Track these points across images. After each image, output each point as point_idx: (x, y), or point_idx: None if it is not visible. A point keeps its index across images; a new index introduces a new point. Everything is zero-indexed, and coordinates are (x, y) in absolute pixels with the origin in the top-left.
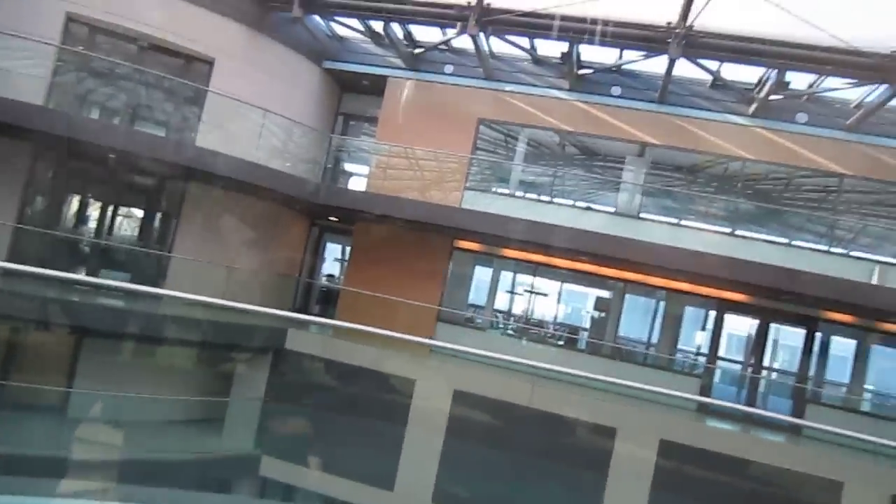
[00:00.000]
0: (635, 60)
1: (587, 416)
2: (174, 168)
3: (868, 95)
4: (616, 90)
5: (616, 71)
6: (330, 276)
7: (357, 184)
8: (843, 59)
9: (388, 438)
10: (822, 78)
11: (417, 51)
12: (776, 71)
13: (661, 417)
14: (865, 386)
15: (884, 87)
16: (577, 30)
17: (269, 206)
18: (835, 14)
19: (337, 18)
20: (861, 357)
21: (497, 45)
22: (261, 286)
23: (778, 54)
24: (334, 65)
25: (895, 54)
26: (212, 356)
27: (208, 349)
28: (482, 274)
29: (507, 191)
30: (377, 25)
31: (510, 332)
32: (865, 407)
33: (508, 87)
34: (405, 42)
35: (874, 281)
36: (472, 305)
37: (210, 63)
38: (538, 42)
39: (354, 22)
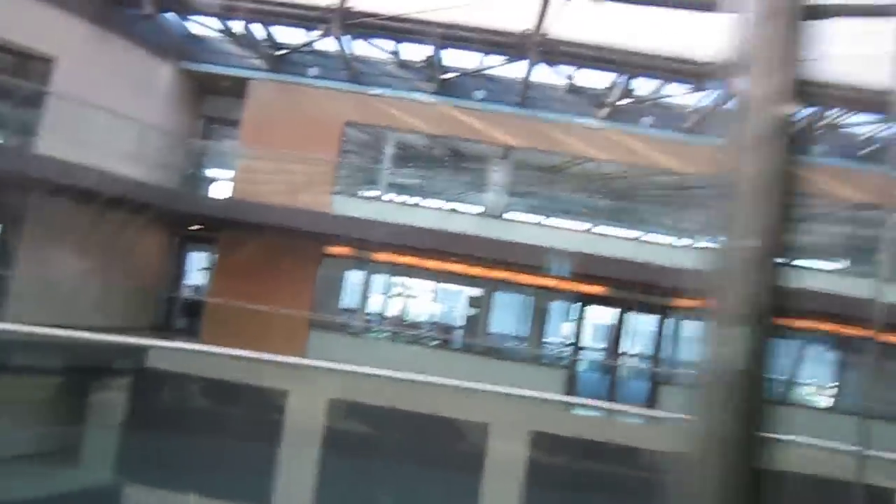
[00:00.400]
0: (496, 66)
1: (462, 413)
2: (12, 178)
3: (701, 100)
4: (479, 94)
5: (479, 75)
6: (195, 287)
7: (221, 190)
8: (681, 67)
9: (262, 456)
10: (664, 84)
11: (280, 52)
12: (624, 77)
13: (530, 409)
14: None
15: (717, 91)
16: (439, 34)
17: (124, 216)
18: (674, 26)
19: (194, 18)
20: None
21: (361, 47)
22: (117, 302)
23: (624, 62)
24: (192, 66)
25: (726, 63)
26: (64, 381)
27: (59, 374)
28: (355, 278)
29: (376, 194)
30: (238, 26)
31: (385, 335)
32: None
33: (374, 90)
34: (267, 43)
35: None
36: (347, 310)
37: (50, 62)
38: (403, 46)
39: (214, 21)
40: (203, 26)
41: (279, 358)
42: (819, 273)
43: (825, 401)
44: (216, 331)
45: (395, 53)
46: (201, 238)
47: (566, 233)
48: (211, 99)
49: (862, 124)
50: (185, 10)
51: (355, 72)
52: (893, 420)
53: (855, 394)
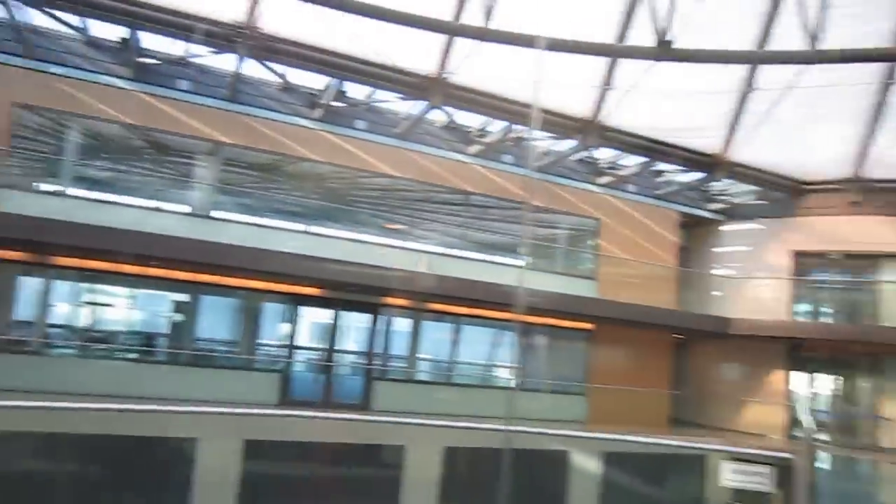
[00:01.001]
0: (203, 56)
1: (168, 432)
2: None
3: (413, 108)
4: (184, 84)
5: (183, 64)
6: None
7: None
8: (391, 75)
9: None
10: (375, 91)
11: None
12: (338, 80)
13: (241, 419)
14: (421, 356)
15: (424, 102)
16: (135, 14)
17: None
18: (386, 36)
19: None
20: (415, 333)
21: (40, 19)
22: None
23: (337, 65)
24: None
25: (430, 76)
26: None
27: None
28: (32, 287)
29: (59, 188)
30: None
31: (73, 351)
32: (421, 377)
33: (55, 69)
34: None
35: (422, 269)
36: (22, 324)
37: None
38: (92, 22)
39: None
40: None
41: None
42: (510, 269)
43: (517, 382)
44: None
45: (82, 30)
46: None
47: (279, 233)
48: None
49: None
50: None
51: (30, 46)
52: (562, 392)
53: (532, 373)
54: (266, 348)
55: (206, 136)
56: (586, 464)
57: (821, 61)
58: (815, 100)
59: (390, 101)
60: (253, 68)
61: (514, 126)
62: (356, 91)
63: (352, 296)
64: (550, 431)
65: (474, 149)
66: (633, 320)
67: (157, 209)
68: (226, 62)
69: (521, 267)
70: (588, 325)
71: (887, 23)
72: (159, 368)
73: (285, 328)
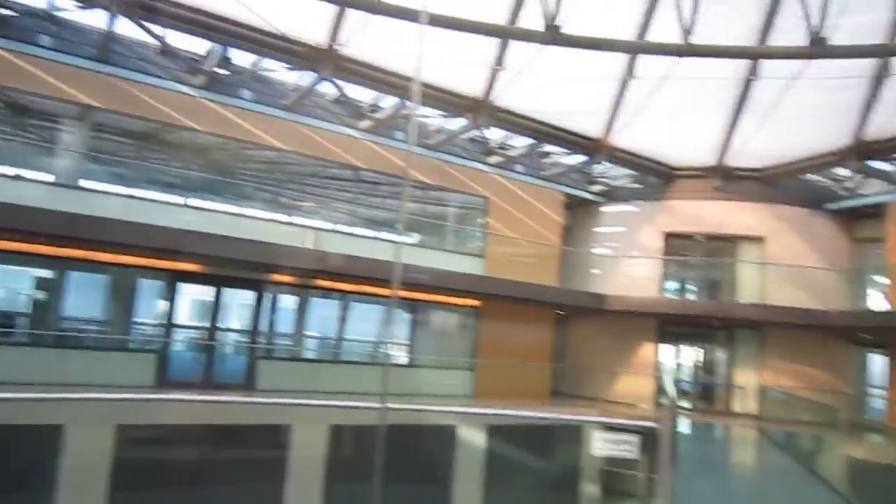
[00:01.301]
0: (69, 10)
1: (29, 419)
2: None
3: (302, 80)
4: (45, 40)
5: (47, 18)
6: None
7: None
8: (278, 44)
9: None
10: (262, 59)
11: None
12: (221, 46)
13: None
14: (308, 334)
15: (314, 74)
16: None
17: None
18: (274, 2)
19: None
20: (302, 311)
21: None
22: None
23: (221, 30)
24: None
25: (320, 46)
26: None
27: None
28: None
29: None
30: None
31: None
32: (308, 355)
33: None
34: None
35: (309, 245)
36: None
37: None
38: None
39: None
40: None
41: None
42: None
43: (405, 357)
44: None
45: None
46: None
47: (157, 206)
48: None
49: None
50: None
51: None
52: (451, 367)
53: (421, 349)
54: (142, 328)
55: (73, 98)
56: (472, 437)
57: (692, 54)
58: (687, 91)
59: (278, 70)
60: (128, 28)
61: (406, 102)
62: (241, 59)
63: (235, 272)
64: (428, 408)
65: (365, 124)
66: (518, 297)
67: (18, 177)
68: (96, 19)
69: (400, 243)
70: (475, 302)
71: (754, 20)
72: (19, 350)
73: (163, 306)
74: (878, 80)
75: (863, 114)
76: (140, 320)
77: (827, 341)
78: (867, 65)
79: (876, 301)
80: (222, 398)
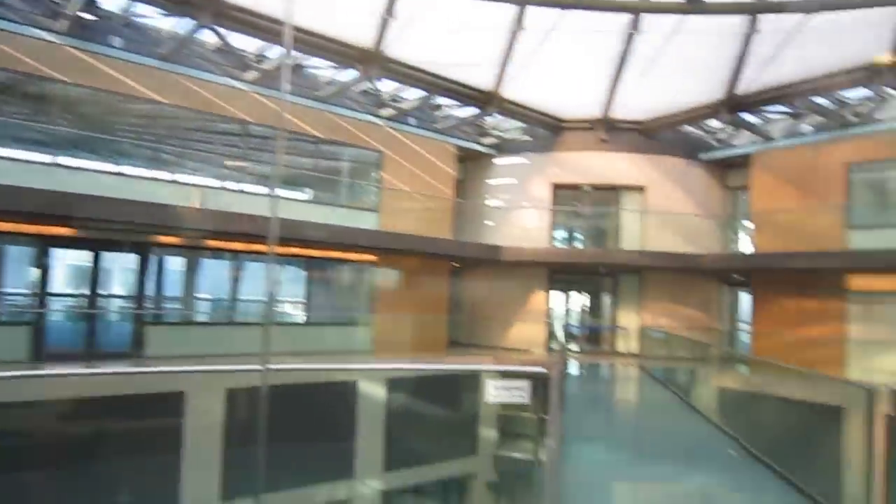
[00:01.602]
0: None
1: None
2: None
3: (179, 27)
4: None
5: None
6: None
7: None
8: None
9: None
10: (133, 3)
11: None
12: None
13: None
14: (199, 296)
15: (192, 21)
16: None
17: None
18: None
19: None
20: (191, 272)
21: None
22: None
23: None
24: None
25: None
26: None
27: None
28: None
29: None
30: None
31: None
32: (201, 318)
33: None
34: None
35: (195, 204)
36: None
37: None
38: None
39: None
40: None
41: None
42: (293, 202)
43: (302, 316)
44: None
45: None
46: None
47: (21, 165)
48: None
49: (324, 68)
50: None
51: None
52: (348, 324)
53: (319, 307)
54: (11, 298)
55: None
56: (373, 391)
57: (577, 7)
58: (574, 44)
59: (151, 16)
60: None
61: (293, 53)
62: (109, 2)
63: (116, 235)
64: (310, 366)
65: (251, 75)
66: (413, 250)
67: None
68: None
69: (277, 198)
70: (372, 257)
71: None
72: None
73: (35, 274)
74: (748, 36)
75: (734, 69)
76: (8, 290)
77: (701, 283)
78: (738, 21)
79: (744, 244)
80: (98, 370)
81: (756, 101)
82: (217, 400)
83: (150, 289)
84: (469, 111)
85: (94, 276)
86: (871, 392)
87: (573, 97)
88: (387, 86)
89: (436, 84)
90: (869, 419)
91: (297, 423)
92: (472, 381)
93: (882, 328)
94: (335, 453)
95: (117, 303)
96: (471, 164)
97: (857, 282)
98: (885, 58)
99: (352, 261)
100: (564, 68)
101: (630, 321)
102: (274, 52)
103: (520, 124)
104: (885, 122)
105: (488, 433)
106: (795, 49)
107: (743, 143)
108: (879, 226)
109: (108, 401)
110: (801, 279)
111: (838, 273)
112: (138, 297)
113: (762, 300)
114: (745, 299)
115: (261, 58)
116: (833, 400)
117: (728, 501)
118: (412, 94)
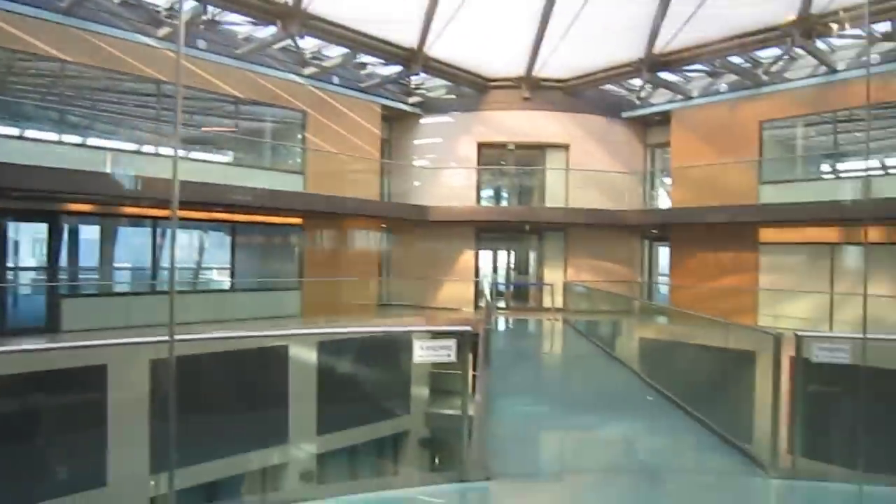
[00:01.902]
0: None
1: None
2: None
3: None
4: None
5: None
6: None
7: None
8: None
9: None
10: None
11: None
12: None
13: None
14: (118, 266)
15: None
16: None
17: None
18: None
19: None
20: (108, 241)
21: None
22: None
23: None
24: None
25: None
26: None
27: None
28: None
29: None
30: None
31: None
32: (121, 288)
33: None
34: None
35: (107, 169)
36: None
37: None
38: None
39: None
40: None
41: None
42: (213, 165)
43: (228, 282)
44: None
45: None
46: None
47: None
48: None
49: (242, 24)
50: None
51: None
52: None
53: (246, 272)
54: None
55: None
56: (304, 355)
57: None
58: (498, 1)
59: None
60: None
61: (208, 7)
62: None
63: (20, 204)
64: (220, 335)
65: (163, 31)
66: (340, 212)
67: None
68: None
69: (176, 158)
70: (298, 220)
71: None
72: None
73: None
74: None
75: (654, 28)
76: None
77: (623, 238)
78: None
79: (664, 200)
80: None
81: (675, 60)
82: (141, 371)
83: (63, 260)
84: (394, 69)
85: (2, 247)
86: (778, 337)
87: (498, 55)
88: (309, 43)
89: (359, 41)
90: (777, 362)
91: (228, 390)
92: (403, 343)
93: (789, 277)
94: (268, 419)
95: (29, 275)
96: (397, 124)
97: (768, 234)
98: (793, 17)
99: (278, 224)
100: (489, 26)
101: (555, 277)
102: (188, 5)
103: (445, 83)
104: (793, 80)
105: (420, 392)
106: (713, 8)
107: (663, 101)
108: (787, 180)
109: (26, 377)
110: (716, 233)
111: (751, 226)
112: (50, 268)
113: (680, 253)
114: (664, 253)
115: (173, 12)
116: (744, 346)
117: (646, 444)
118: (335, 52)
